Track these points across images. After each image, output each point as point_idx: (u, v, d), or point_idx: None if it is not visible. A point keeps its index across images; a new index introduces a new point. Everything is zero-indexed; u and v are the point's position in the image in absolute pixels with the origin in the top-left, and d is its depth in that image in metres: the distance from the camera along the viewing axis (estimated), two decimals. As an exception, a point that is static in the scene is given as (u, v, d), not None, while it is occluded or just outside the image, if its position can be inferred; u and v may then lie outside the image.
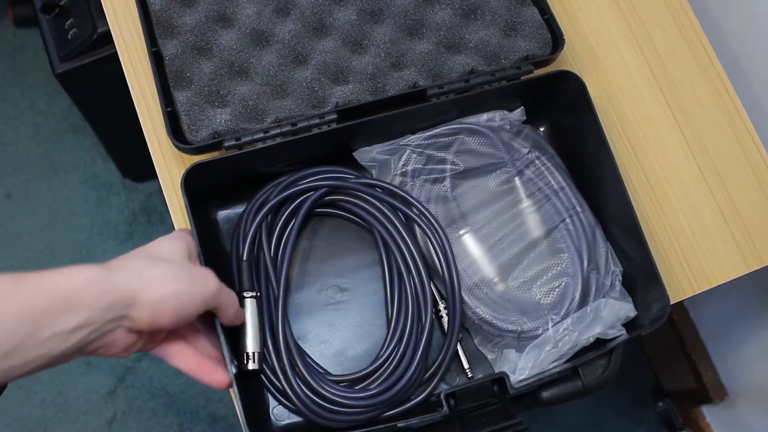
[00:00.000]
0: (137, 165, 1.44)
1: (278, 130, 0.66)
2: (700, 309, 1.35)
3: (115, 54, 0.74)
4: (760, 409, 1.21)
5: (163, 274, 0.52)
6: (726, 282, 0.73)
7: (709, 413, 1.39)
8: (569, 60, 0.77)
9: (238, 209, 0.70)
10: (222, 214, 0.71)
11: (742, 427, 1.28)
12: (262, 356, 0.62)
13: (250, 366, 0.60)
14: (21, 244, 1.50)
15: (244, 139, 0.66)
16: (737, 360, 1.26)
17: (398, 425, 0.60)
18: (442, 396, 0.60)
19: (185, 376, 1.43)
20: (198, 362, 0.57)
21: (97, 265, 0.49)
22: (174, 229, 0.70)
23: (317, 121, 0.67)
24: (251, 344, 0.61)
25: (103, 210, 1.51)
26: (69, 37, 1.06)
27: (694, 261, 0.73)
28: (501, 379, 0.61)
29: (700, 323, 1.36)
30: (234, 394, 0.58)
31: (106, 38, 0.95)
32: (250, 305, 0.61)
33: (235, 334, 0.61)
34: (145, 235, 1.50)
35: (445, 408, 0.60)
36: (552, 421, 1.45)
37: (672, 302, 0.71)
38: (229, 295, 0.57)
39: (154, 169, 0.71)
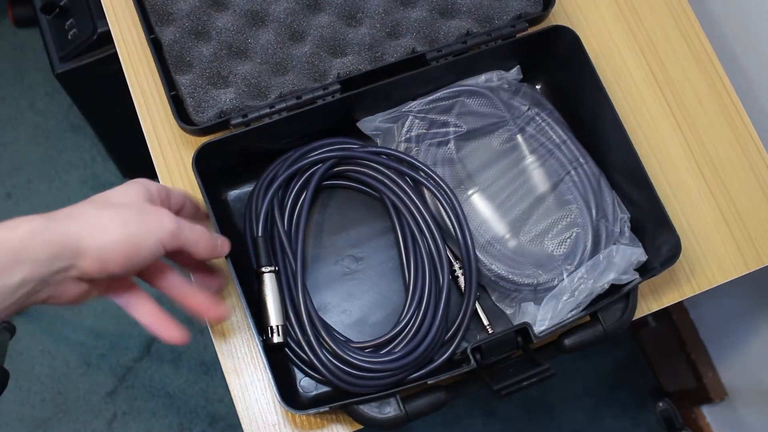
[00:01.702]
0: (137, 165, 1.44)
1: (284, 104, 0.68)
2: (700, 309, 1.35)
3: (115, 54, 0.75)
4: (760, 409, 1.22)
5: (109, 219, 0.49)
6: (726, 282, 0.73)
7: (709, 413, 1.39)
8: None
9: (247, 188, 0.71)
10: (232, 194, 0.72)
11: (742, 427, 1.29)
12: (286, 329, 0.63)
13: (275, 339, 0.62)
14: (21, 244, 1.50)
15: (250, 116, 0.67)
16: (737, 360, 1.26)
17: (428, 383, 0.61)
18: (468, 350, 0.61)
19: (185, 376, 1.45)
20: (156, 318, 0.56)
21: (41, 216, 0.47)
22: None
23: (321, 92, 0.68)
24: (274, 318, 0.62)
25: (103, 210, 1.51)
26: (69, 37, 1.06)
27: (694, 261, 0.73)
28: (524, 330, 0.62)
29: (700, 323, 1.36)
30: (265, 369, 0.59)
31: (106, 38, 0.95)
32: (269, 280, 0.62)
33: (257, 310, 0.62)
34: (145, 235, 1.50)
35: (473, 362, 0.60)
36: (552, 421, 1.45)
37: (672, 303, 0.72)
38: (193, 231, 0.55)
39: (154, 169, 0.71)
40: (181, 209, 0.60)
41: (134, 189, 0.54)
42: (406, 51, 0.71)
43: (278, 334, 0.62)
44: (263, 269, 0.63)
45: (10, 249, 0.45)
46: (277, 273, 0.63)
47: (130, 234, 0.50)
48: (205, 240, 0.56)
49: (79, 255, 0.47)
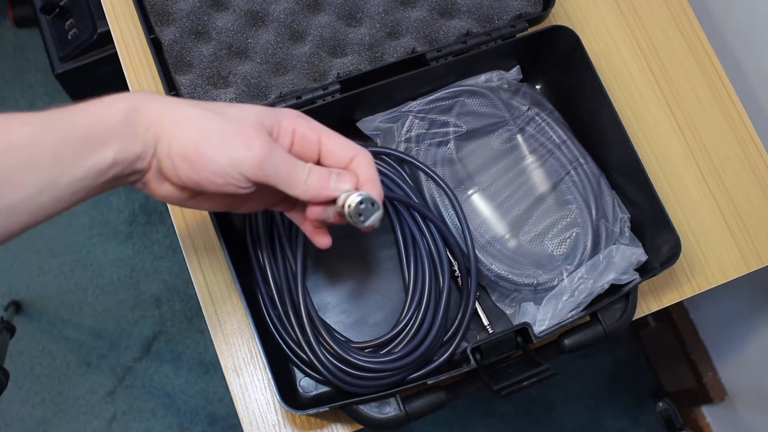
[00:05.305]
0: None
1: (283, 105, 0.67)
2: (700, 309, 1.35)
3: (115, 54, 0.75)
4: (760, 409, 1.22)
5: (193, 118, 0.44)
6: (726, 282, 0.73)
7: (709, 413, 1.39)
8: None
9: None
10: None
11: (742, 427, 1.29)
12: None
13: None
14: (21, 244, 1.50)
15: (250, 116, 0.67)
16: (737, 360, 1.26)
17: (428, 383, 0.61)
18: (468, 351, 0.61)
19: (185, 376, 1.46)
20: (310, 228, 0.53)
21: (139, 93, 0.45)
22: (174, 229, 0.70)
23: (321, 92, 0.68)
24: None
25: (103, 210, 1.51)
26: (69, 37, 1.06)
27: (694, 261, 0.73)
28: (524, 330, 0.62)
29: (700, 323, 1.36)
30: (265, 369, 0.59)
31: (106, 38, 0.95)
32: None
33: None
34: (145, 235, 1.50)
35: (472, 362, 0.61)
36: (552, 421, 1.45)
37: (672, 303, 0.72)
38: (293, 168, 0.46)
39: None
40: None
41: (249, 109, 0.47)
42: (406, 51, 0.71)
43: None
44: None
45: (106, 126, 0.43)
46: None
47: (201, 141, 0.44)
48: (310, 182, 0.47)
49: (158, 140, 0.44)
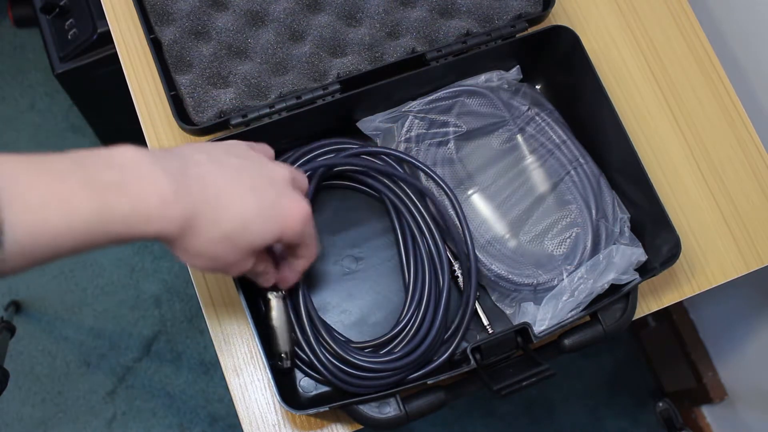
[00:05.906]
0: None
1: (283, 104, 0.68)
2: (700, 309, 1.35)
3: (115, 54, 0.75)
4: (760, 409, 1.22)
5: (239, 208, 0.48)
6: (726, 282, 0.73)
7: (709, 413, 1.39)
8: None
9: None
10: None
11: (742, 427, 1.29)
12: (294, 354, 0.63)
13: (285, 365, 0.61)
14: (21, 245, 1.50)
15: (250, 116, 0.67)
16: (737, 360, 1.26)
17: (428, 383, 0.61)
18: (468, 351, 0.61)
19: (185, 376, 1.45)
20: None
21: (172, 177, 0.45)
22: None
23: (321, 92, 0.68)
24: (282, 344, 0.61)
25: (103, 210, 1.51)
26: (69, 37, 1.06)
27: (694, 261, 0.73)
28: (524, 330, 0.62)
29: (700, 323, 1.36)
30: (265, 369, 0.60)
31: (106, 38, 0.95)
32: (276, 305, 0.61)
33: (266, 334, 0.62)
34: (145, 235, 1.50)
35: (472, 362, 0.61)
36: (552, 421, 1.45)
37: (672, 303, 0.72)
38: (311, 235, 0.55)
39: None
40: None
41: (282, 172, 0.52)
42: (406, 51, 0.71)
43: (287, 359, 0.61)
44: (269, 295, 0.61)
45: (144, 219, 0.44)
46: (284, 298, 0.62)
47: (248, 229, 0.49)
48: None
49: (192, 232, 0.47)
